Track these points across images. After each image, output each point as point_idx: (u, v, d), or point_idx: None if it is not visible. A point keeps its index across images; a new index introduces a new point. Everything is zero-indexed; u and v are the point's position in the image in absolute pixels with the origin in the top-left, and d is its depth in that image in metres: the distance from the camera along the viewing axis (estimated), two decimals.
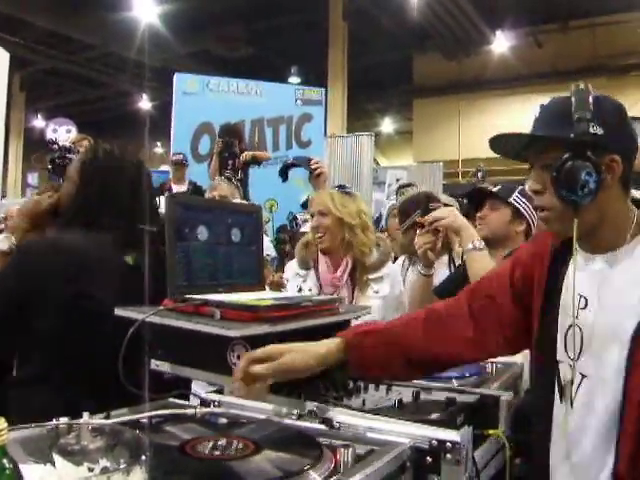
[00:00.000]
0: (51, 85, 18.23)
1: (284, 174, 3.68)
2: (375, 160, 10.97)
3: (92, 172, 2.12)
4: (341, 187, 3.05)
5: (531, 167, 1.54)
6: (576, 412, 1.46)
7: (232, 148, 6.04)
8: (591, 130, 1.41)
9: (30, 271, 1.98)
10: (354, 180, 9.39)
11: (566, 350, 1.49)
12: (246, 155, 6.21)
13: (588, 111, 1.42)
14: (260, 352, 1.45)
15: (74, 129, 7.08)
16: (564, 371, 1.49)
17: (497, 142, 1.55)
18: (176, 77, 8.25)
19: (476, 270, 2.44)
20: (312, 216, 3.01)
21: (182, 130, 7.99)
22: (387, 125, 20.97)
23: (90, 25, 13.42)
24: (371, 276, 2.97)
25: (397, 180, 10.28)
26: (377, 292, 2.94)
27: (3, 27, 12.35)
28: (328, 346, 1.55)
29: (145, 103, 18.10)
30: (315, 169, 3.58)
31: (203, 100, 8.09)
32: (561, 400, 1.48)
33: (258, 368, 1.43)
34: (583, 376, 1.45)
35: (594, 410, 1.42)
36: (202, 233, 1.76)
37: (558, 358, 1.51)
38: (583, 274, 1.49)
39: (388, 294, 2.96)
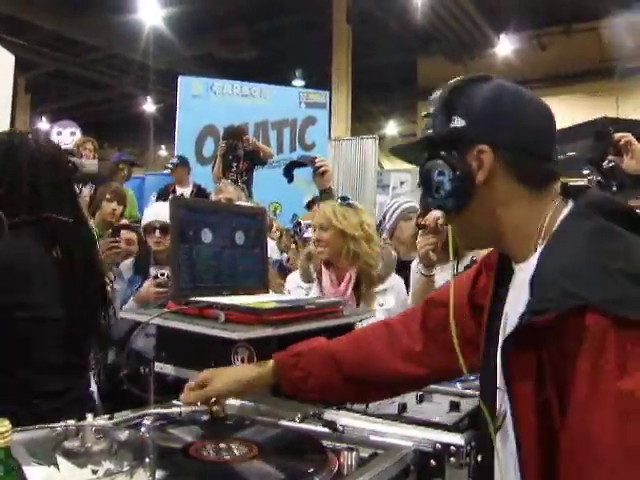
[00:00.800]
0: (56, 87, 18.26)
1: (289, 174, 3.66)
2: (379, 163, 10.96)
3: (5, 167, 1.97)
4: (343, 199, 3.04)
5: None
6: (501, 445, 1.21)
7: (236, 150, 6.06)
8: (452, 124, 1.20)
9: None
10: (358, 183, 9.41)
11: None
12: (252, 140, 6.23)
13: (444, 106, 1.23)
14: (199, 378, 1.45)
15: (78, 131, 7.06)
16: (500, 399, 1.21)
17: (398, 152, 1.53)
18: (181, 80, 8.28)
19: None
20: (314, 230, 3.01)
21: (186, 133, 8.02)
22: (391, 128, 20.95)
23: (95, 27, 13.43)
24: (376, 289, 2.96)
25: (401, 183, 10.29)
26: (382, 305, 2.93)
27: (7, 29, 12.37)
28: (260, 370, 1.47)
29: (150, 106, 18.12)
30: (319, 167, 3.57)
31: (207, 103, 8.12)
32: (495, 432, 1.21)
33: (191, 396, 1.43)
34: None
35: (509, 445, 1.17)
36: (206, 235, 1.76)
37: (498, 385, 1.21)
38: (512, 291, 1.26)
39: (393, 307, 2.94)
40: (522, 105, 1.23)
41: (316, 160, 3.64)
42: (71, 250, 1.94)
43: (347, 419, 1.41)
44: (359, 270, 2.93)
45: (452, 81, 1.25)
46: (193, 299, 1.61)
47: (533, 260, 1.16)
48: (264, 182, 6.64)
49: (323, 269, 3.00)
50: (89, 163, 4.13)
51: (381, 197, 9.83)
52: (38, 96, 17.82)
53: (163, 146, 18.77)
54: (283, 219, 6.91)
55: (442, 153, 1.20)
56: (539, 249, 1.17)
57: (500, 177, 1.20)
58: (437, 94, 1.25)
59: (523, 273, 1.18)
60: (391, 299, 2.96)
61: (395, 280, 3.07)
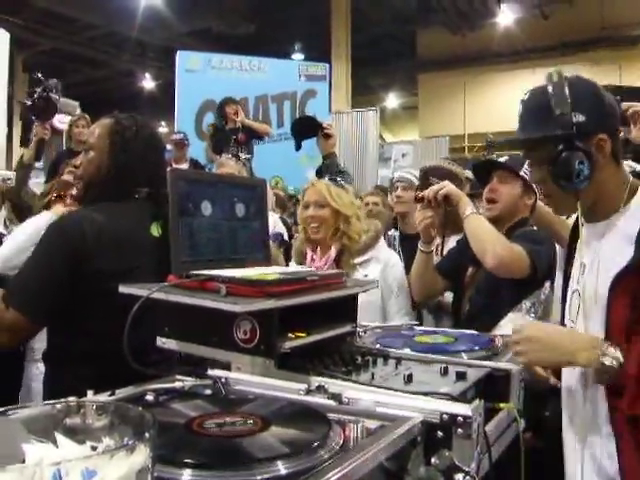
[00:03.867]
0: (54, 66, 18.13)
1: (298, 141, 3.61)
2: (380, 136, 10.89)
3: (123, 142, 2.12)
4: (334, 180, 3.01)
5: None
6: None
7: (224, 129, 6.01)
8: (574, 119, 1.54)
9: (63, 247, 1.97)
10: (360, 156, 9.34)
11: (570, 314, 1.72)
12: (240, 118, 6.21)
13: (566, 104, 1.55)
14: None
15: (78, 110, 7.00)
16: None
17: (515, 143, 1.82)
18: (178, 55, 8.20)
19: (475, 231, 2.46)
20: (306, 207, 2.96)
21: (186, 108, 7.96)
22: (392, 100, 20.83)
23: (91, 4, 13.32)
24: (357, 260, 2.93)
25: (403, 155, 10.24)
26: (366, 276, 2.90)
27: (2, 8, 12.25)
28: None
29: (148, 82, 18.00)
30: (325, 128, 3.53)
31: (206, 78, 8.05)
32: None
33: None
34: None
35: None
36: (206, 208, 1.74)
37: (565, 322, 1.74)
38: (584, 243, 1.67)
39: (379, 276, 2.91)
40: (606, 95, 1.60)
41: (324, 124, 3.60)
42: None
43: (352, 391, 1.39)
44: (341, 245, 2.90)
45: (555, 81, 1.57)
46: (194, 272, 1.58)
47: (616, 219, 1.60)
48: (264, 156, 6.59)
49: (306, 247, 2.98)
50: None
51: (382, 170, 9.78)
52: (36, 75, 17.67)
53: (163, 122, 18.66)
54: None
55: (578, 144, 1.54)
56: (622, 210, 1.59)
57: (607, 157, 1.59)
58: (548, 93, 1.57)
59: (603, 229, 1.62)
60: (375, 269, 2.94)
61: (380, 251, 3.05)
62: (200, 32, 15.01)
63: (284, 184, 7.28)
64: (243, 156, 5.74)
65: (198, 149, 7.06)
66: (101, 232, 1.97)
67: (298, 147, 3.60)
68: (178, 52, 8.26)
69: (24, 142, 5.30)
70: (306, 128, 3.64)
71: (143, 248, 2.03)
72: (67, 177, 3.41)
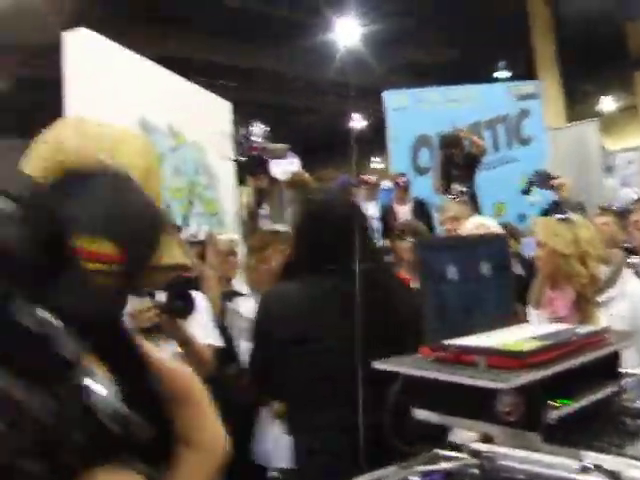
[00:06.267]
0: (263, 118, 19.16)
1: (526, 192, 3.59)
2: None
3: (309, 222, 2.34)
4: (559, 214, 2.87)
5: None
6: None
7: (453, 158, 5.99)
8: None
9: (270, 316, 2.26)
10: (581, 170, 8.86)
11: None
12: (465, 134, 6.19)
13: None
14: None
15: (297, 161, 7.31)
16: None
17: None
18: (385, 95, 8.30)
19: None
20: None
21: (399, 146, 8.03)
22: (607, 104, 19.68)
23: (292, 57, 14.00)
24: (600, 298, 2.73)
25: (628, 163, 9.62)
26: (612, 315, 2.68)
27: (211, 71, 13.19)
28: None
29: (356, 122, 18.50)
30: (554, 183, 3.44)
31: (415, 114, 8.07)
32: None
33: None
34: None
35: None
36: (452, 272, 1.71)
37: None
38: None
39: (630, 314, 2.68)
40: None
41: (552, 182, 3.51)
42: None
43: (633, 470, 1.27)
44: (576, 288, 2.72)
45: None
46: (447, 342, 1.55)
47: None
48: (485, 183, 6.47)
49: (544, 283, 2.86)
50: None
51: (608, 181, 9.21)
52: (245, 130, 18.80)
53: (378, 158, 19.11)
54: (508, 220, 6.69)
55: None
56: None
57: None
58: None
59: None
60: (622, 307, 2.71)
61: (626, 284, 2.81)
62: (402, 66, 15.20)
63: (506, 210, 7.11)
64: (461, 188, 5.66)
65: (420, 185, 7.09)
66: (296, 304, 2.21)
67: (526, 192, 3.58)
68: (384, 92, 8.36)
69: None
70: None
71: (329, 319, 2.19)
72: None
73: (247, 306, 3.32)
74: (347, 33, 12.89)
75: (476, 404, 1.49)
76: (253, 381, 2.49)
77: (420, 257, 1.66)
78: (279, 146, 7.33)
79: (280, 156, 6.98)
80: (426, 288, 1.64)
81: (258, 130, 4.94)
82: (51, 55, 4.96)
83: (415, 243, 1.70)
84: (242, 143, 4.80)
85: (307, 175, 6.35)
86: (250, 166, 5.17)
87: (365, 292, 2.04)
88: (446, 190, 5.84)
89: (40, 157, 1.04)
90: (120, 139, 1.11)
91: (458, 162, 6.05)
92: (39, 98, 12.98)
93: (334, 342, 2.12)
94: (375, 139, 14.03)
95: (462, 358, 1.49)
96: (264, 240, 3.40)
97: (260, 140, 4.64)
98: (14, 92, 13.09)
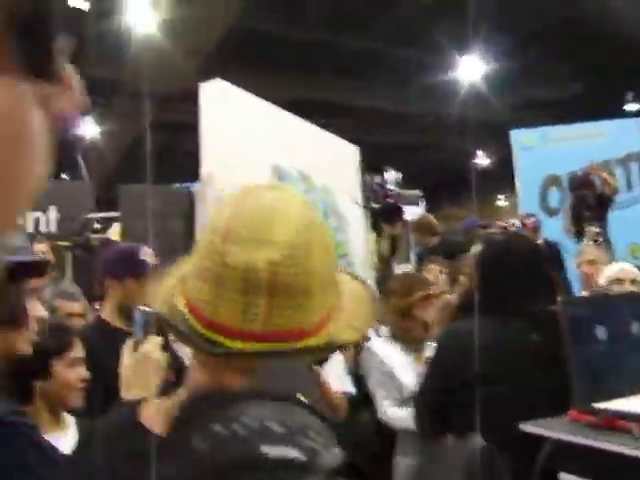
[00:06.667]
0: (387, 158, 19.25)
1: None
2: None
3: (488, 265, 2.27)
4: None
5: None
6: None
7: (585, 200, 5.79)
8: None
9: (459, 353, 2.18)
10: None
11: None
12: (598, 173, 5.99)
13: None
14: None
15: (422, 203, 7.31)
16: None
17: None
18: (512, 134, 8.13)
19: None
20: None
21: (528, 185, 7.83)
22: None
23: (416, 96, 14.04)
24: None
25: None
26: None
27: (330, 114, 13.38)
28: None
29: (482, 160, 18.29)
30: None
31: (544, 152, 7.86)
32: None
33: None
34: None
35: None
36: (600, 331, 1.66)
37: None
38: None
39: None
40: None
41: None
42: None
43: None
44: None
45: None
46: (597, 406, 1.50)
47: None
48: (618, 223, 6.20)
49: None
50: None
51: None
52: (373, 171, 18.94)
53: (502, 196, 18.76)
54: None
55: None
56: None
57: None
58: None
59: None
60: None
61: None
62: (526, 103, 14.90)
63: None
64: (597, 230, 5.45)
65: (550, 227, 6.87)
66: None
67: None
68: (512, 131, 8.19)
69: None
70: None
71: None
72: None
73: (382, 348, 3.28)
74: (469, 70, 12.84)
75: (629, 473, 1.43)
76: (421, 414, 2.40)
77: (566, 315, 1.61)
78: (413, 192, 7.38)
79: (413, 202, 7.02)
80: (573, 347, 1.60)
81: (392, 177, 4.99)
82: (185, 102, 5.17)
83: (561, 301, 1.63)
84: (376, 190, 4.84)
85: (432, 217, 6.33)
86: (386, 213, 5.19)
87: (551, 339, 1.96)
88: (578, 232, 5.63)
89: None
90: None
91: (590, 204, 5.84)
92: (171, 143, 13.71)
93: (521, 387, 2.03)
94: (500, 177, 13.82)
95: (614, 423, 1.44)
96: (405, 284, 3.36)
97: (394, 187, 4.68)
98: (150, 137, 13.80)
